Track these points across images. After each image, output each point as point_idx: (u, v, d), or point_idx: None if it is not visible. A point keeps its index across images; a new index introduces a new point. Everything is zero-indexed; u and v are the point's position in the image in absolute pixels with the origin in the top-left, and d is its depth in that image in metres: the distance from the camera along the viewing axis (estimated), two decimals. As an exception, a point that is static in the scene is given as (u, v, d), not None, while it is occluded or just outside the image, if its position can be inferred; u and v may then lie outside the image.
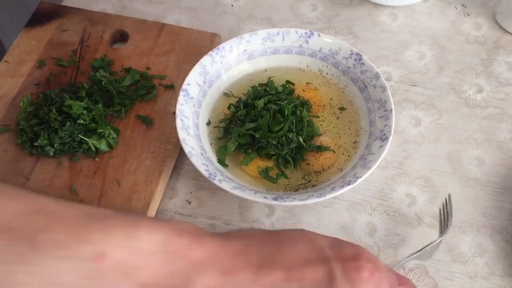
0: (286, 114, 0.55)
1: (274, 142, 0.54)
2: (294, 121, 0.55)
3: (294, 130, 0.55)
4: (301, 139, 0.55)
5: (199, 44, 0.66)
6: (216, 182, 0.50)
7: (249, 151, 0.55)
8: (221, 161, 0.55)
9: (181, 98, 0.56)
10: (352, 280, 0.38)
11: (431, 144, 0.60)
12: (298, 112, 0.56)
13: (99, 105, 0.58)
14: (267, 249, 0.39)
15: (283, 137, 0.55)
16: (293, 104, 0.56)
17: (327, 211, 0.56)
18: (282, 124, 0.54)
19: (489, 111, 0.63)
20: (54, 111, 0.56)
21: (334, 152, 0.56)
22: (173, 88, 0.62)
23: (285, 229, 0.47)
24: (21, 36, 0.67)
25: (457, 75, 0.66)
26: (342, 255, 0.39)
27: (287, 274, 0.38)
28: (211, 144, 0.57)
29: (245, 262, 0.39)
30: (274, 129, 0.54)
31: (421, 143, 0.61)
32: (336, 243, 0.41)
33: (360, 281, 0.38)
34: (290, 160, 0.55)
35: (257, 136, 0.54)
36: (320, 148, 0.55)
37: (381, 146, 0.52)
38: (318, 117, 0.59)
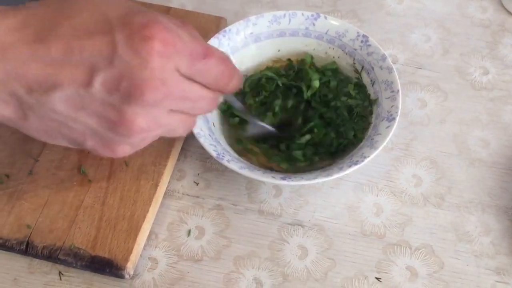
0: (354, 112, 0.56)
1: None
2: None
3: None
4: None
5: (205, 28, 0.66)
6: (224, 162, 0.50)
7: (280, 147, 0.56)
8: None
9: None
10: (138, 50, 0.33)
11: (437, 125, 0.61)
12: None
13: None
14: (48, 22, 0.34)
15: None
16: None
17: (334, 192, 0.56)
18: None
19: (495, 93, 0.63)
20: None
21: None
22: (179, 71, 0.62)
23: None
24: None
25: (462, 57, 0.66)
26: (131, 24, 0.33)
27: (66, 47, 0.33)
28: (221, 125, 0.58)
29: (20, 38, 0.33)
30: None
31: (427, 125, 0.61)
32: (130, 11, 0.34)
33: (149, 52, 0.33)
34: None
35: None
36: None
37: (388, 127, 0.53)
38: None
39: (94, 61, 0.33)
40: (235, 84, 0.42)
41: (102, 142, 0.38)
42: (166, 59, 0.34)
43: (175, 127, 0.40)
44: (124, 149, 0.39)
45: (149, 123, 0.36)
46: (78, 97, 0.34)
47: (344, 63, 0.60)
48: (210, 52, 0.37)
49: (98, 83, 0.33)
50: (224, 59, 0.40)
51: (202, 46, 0.37)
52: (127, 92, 0.34)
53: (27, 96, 0.34)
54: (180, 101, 0.38)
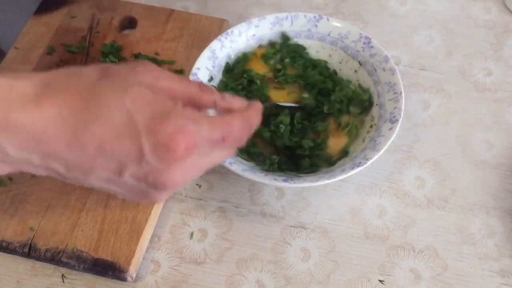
0: None
1: None
2: None
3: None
4: None
5: (207, 30, 0.66)
6: (226, 164, 0.50)
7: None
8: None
9: None
10: (163, 158, 0.37)
11: (440, 127, 0.61)
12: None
13: (109, 90, 0.58)
14: (83, 117, 0.36)
15: None
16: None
17: (337, 194, 0.56)
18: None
19: (498, 94, 0.63)
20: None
21: None
22: (182, 73, 0.62)
23: (117, 78, 0.39)
24: (31, 23, 0.67)
25: (466, 59, 0.66)
26: (157, 134, 0.37)
27: (98, 147, 0.37)
28: None
29: (56, 134, 0.36)
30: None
31: (430, 126, 0.61)
32: (155, 116, 0.37)
33: (173, 158, 0.37)
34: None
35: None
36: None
37: (391, 128, 0.52)
38: None
39: (123, 160, 0.37)
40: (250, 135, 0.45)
41: (134, 200, 0.43)
42: (187, 157, 0.38)
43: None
44: (159, 199, 0.42)
45: (172, 193, 0.42)
46: (111, 179, 0.39)
47: (345, 64, 0.60)
48: (229, 131, 0.41)
49: (127, 175, 0.38)
50: (243, 128, 0.42)
51: (220, 131, 0.40)
52: (152, 184, 0.38)
53: (66, 173, 0.39)
54: (201, 170, 0.42)
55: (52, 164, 0.38)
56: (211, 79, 0.58)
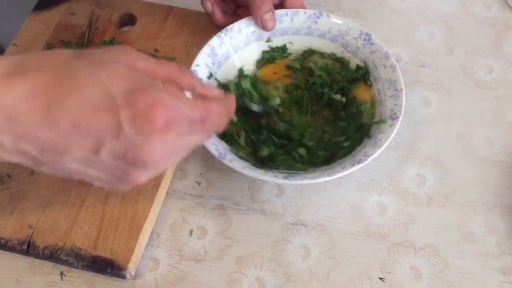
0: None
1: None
2: None
3: None
4: None
5: (207, 27, 0.65)
6: (226, 161, 0.50)
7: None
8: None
9: None
10: (142, 130, 0.35)
11: (441, 125, 0.60)
12: None
13: (108, 87, 0.58)
14: (55, 94, 0.35)
15: None
16: None
17: (337, 191, 0.56)
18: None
19: (500, 92, 0.63)
20: (64, 92, 0.56)
21: None
22: (181, 70, 0.62)
23: (92, 57, 0.38)
24: (30, 20, 0.67)
25: (467, 56, 0.65)
26: (135, 105, 0.35)
27: (73, 121, 0.35)
28: None
29: (30, 108, 0.35)
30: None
31: (431, 124, 0.60)
32: (133, 89, 0.36)
33: (152, 130, 0.36)
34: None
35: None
36: None
37: (391, 125, 0.52)
38: None
39: (101, 135, 0.36)
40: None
41: (112, 185, 0.41)
42: (167, 132, 0.36)
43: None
44: (138, 181, 0.40)
45: (152, 175, 0.40)
46: (87, 159, 0.37)
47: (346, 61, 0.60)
48: (208, 113, 0.40)
49: (104, 152, 0.36)
50: (220, 113, 0.42)
51: (200, 111, 0.39)
52: (131, 161, 0.37)
53: (39, 155, 0.37)
54: (180, 151, 0.40)
55: (25, 146, 0.36)
56: (210, 75, 0.58)
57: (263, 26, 0.59)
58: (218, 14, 0.61)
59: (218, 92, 0.45)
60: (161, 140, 0.36)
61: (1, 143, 0.36)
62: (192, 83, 0.42)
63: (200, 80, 0.43)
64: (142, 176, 0.39)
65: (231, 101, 0.45)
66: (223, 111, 0.42)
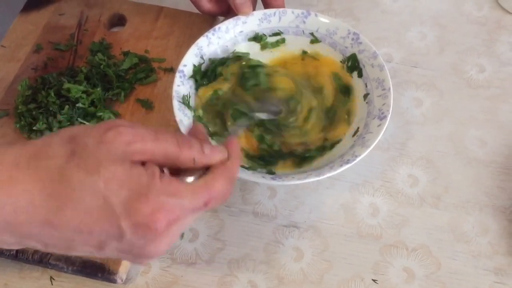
0: None
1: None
2: None
3: None
4: None
5: (198, 27, 0.65)
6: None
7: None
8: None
9: (177, 80, 0.55)
10: (144, 235, 0.36)
11: (433, 125, 0.60)
12: None
13: (98, 89, 0.57)
14: (55, 203, 0.36)
15: None
16: None
17: (330, 193, 0.56)
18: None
19: (491, 91, 0.63)
20: (53, 94, 0.56)
21: None
22: (172, 72, 0.61)
23: (87, 159, 0.37)
24: (18, 21, 0.66)
25: (458, 55, 0.65)
26: (135, 215, 0.36)
27: (74, 230, 0.36)
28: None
29: (29, 218, 0.36)
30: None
31: (423, 124, 0.60)
32: (132, 198, 0.36)
33: (155, 234, 0.36)
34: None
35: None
36: None
37: (379, 125, 0.52)
38: None
39: (103, 238, 0.37)
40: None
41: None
42: (170, 229, 0.37)
43: None
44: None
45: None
46: (93, 252, 0.38)
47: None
48: (211, 197, 0.39)
49: (109, 249, 0.37)
50: (225, 191, 0.40)
51: (203, 198, 0.39)
52: (137, 256, 0.38)
53: (44, 249, 0.38)
54: (185, 227, 0.41)
55: (28, 242, 0.37)
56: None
57: (237, 10, 0.59)
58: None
59: (220, 155, 0.41)
60: (165, 238, 0.37)
61: (4, 240, 0.37)
62: (191, 157, 0.39)
63: (199, 146, 0.40)
64: (150, 261, 0.41)
65: (236, 163, 0.42)
66: (228, 183, 0.40)
